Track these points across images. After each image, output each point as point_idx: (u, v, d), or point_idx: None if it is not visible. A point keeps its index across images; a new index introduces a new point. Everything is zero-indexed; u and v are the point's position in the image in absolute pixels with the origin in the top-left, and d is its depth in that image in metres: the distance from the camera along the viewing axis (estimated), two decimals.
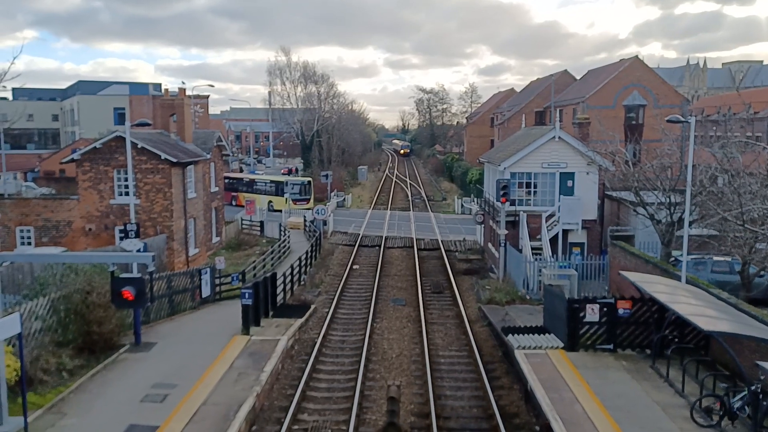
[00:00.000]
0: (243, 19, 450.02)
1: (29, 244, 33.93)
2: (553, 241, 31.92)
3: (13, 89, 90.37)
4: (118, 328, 20.22)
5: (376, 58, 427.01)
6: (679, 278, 20.74)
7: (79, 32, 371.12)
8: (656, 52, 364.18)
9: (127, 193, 32.07)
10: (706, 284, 20.84)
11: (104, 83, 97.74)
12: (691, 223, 22.93)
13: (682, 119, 22.22)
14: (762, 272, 22.37)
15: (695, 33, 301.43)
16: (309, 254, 36.99)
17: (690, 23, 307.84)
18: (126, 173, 31.50)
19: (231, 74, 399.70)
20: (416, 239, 45.55)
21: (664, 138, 28.92)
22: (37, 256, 24.54)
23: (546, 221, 32.17)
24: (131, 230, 26.68)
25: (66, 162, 36.48)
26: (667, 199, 25.53)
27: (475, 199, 60.06)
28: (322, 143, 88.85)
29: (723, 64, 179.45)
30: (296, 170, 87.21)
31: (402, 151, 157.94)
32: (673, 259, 25.79)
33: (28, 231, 34.08)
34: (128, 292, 14.07)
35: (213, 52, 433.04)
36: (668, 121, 22.12)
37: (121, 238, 28.87)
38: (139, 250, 25.20)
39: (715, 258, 26.35)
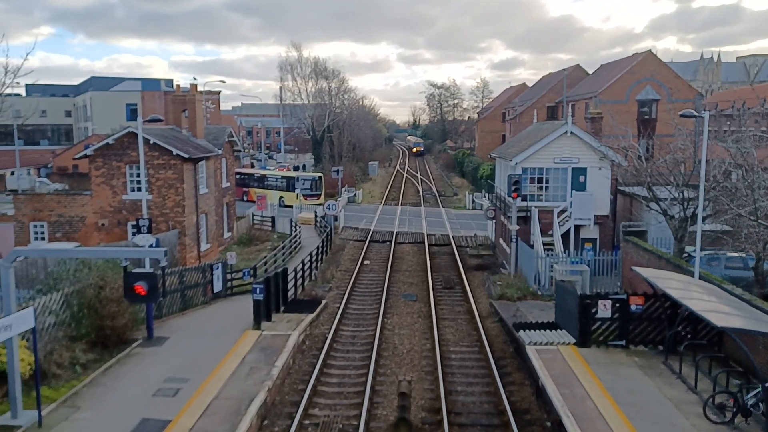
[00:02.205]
0: (257, 14, 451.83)
1: (43, 239, 34.21)
2: (565, 236, 31.77)
3: (27, 85, 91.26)
4: (130, 322, 20.36)
5: (389, 53, 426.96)
6: (692, 274, 20.59)
7: (94, 28, 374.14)
8: (671, 46, 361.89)
9: (139, 189, 32.24)
10: (720, 280, 20.67)
11: (117, 79, 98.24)
12: (704, 219, 22.74)
13: (696, 114, 22.02)
14: None
15: (712, 26, 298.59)
16: (320, 249, 37.05)
17: (707, 17, 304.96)
18: (138, 169, 31.68)
19: (244, 70, 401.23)
20: (427, 235, 45.52)
21: (678, 133, 28.65)
22: (51, 251, 24.74)
23: (558, 217, 32.03)
24: (143, 226, 26.85)
25: (79, 158, 36.67)
26: (681, 195, 25.33)
27: (487, 195, 60.00)
28: (333, 139, 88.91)
29: (737, 58, 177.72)
30: (303, 167, 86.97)
31: (414, 150, 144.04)
32: (686, 254, 25.60)
33: (42, 226, 34.36)
34: (141, 287, 14.16)
35: (227, 47, 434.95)
36: (682, 115, 21.91)
37: (134, 234, 29.07)
38: (151, 246, 25.32)
39: (729, 254, 26.13)
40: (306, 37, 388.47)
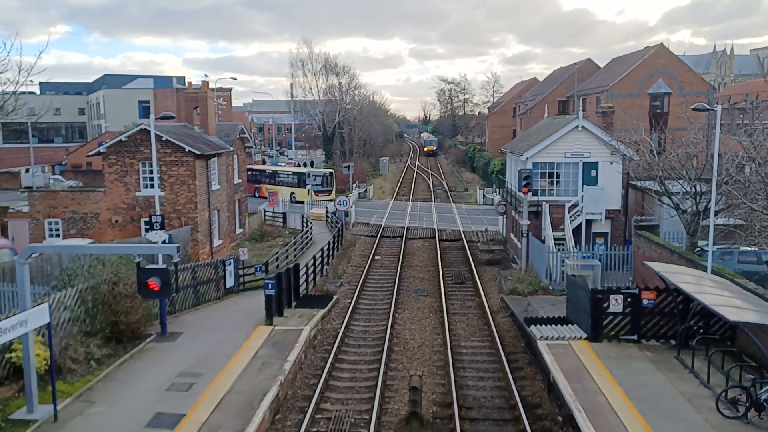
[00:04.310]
0: (270, 10, 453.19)
1: (57, 235, 34.54)
2: (577, 231, 31.67)
3: (40, 83, 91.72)
4: (144, 318, 20.54)
5: (402, 48, 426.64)
6: (704, 268, 20.49)
7: (109, 26, 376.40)
8: (685, 39, 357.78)
9: (152, 186, 32.46)
10: (733, 274, 20.57)
11: (129, 77, 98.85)
12: (717, 213, 22.60)
13: (708, 107, 21.89)
14: None
15: (727, 19, 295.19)
16: (331, 245, 37.15)
17: (723, 9, 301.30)
18: (151, 166, 31.90)
19: (257, 66, 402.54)
20: (438, 230, 45.53)
21: (690, 126, 28.48)
22: (65, 247, 24.98)
23: (569, 211, 31.93)
24: (156, 222, 27.10)
25: (92, 155, 36.98)
26: (693, 189, 25.18)
27: (497, 190, 59.89)
28: (344, 135, 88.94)
29: (751, 50, 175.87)
30: (311, 163, 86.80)
31: (426, 149, 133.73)
32: (698, 249, 25.46)
33: (57, 223, 34.70)
34: (154, 283, 14.31)
35: (240, 44, 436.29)
36: (694, 109, 21.78)
37: (147, 230, 29.33)
38: (164, 242, 25.55)
39: (742, 248, 25.97)
40: (319, 33, 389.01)
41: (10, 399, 15.35)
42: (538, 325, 21.46)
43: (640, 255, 27.26)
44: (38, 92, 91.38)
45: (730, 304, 16.04)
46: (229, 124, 48.24)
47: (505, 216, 41.13)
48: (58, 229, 34.70)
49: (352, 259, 37.24)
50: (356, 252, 39.26)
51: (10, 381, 15.80)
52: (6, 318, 13.86)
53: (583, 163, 32.37)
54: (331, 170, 67.24)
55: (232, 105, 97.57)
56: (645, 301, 19.66)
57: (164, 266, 14.95)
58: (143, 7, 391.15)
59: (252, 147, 51.02)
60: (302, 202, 57.24)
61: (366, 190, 69.10)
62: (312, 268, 30.42)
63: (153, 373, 17.63)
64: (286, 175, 65.66)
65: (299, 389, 18.28)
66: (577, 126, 32.10)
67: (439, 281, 31.02)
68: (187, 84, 52.65)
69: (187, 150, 32.89)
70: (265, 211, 50.77)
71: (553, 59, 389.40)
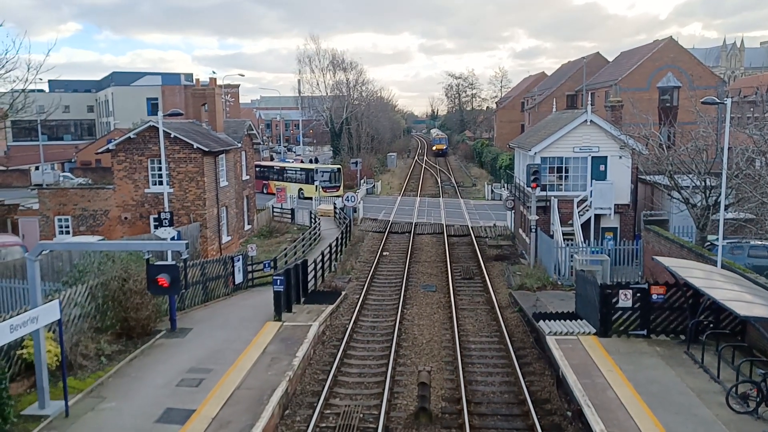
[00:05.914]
0: (280, 6, 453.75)
1: (67, 232, 34.76)
2: (585, 226, 31.57)
3: (49, 81, 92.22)
4: (154, 314, 20.67)
5: (411, 43, 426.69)
6: (714, 263, 20.38)
7: (120, 23, 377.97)
8: (696, 33, 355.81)
9: (161, 183, 32.58)
10: (743, 269, 20.44)
11: (138, 74, 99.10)
12: (727, 207, 22.46)
13: (718, 101, 21.73)
14: None
15: (739, 12, 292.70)
16: (339, 241, 37.19)
17: (736, 1, 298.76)
18: (160, 163, 32.02)
19: (266, 63, 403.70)
20: (446, 225, 45.47)
21: (700, 120, 28.28)
22: (75, 244, 25.15)
23: (578, 206, 31.83)
24: (165, 219, 27.20)
25: (101, 152, 37.20)
26: (703, 183, 25.03)
27: (506, 185, 59.72)
28: (352, 131, 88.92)
29: (761, 43, 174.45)
30: (316, 159, 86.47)
31: (435, 147, 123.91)
32: (708, 243, 25.32)
33: (67, 220, 34.91)
34: (163, 279, 14.37)
35: (249, 40, 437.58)
36: (703, 102, 21.65)
37: (156, 227, 29.44)
38: (173, 238, 25.65)
39: (752, 242, 25.81)
40: (328, 29, 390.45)
41: (21, 395, 15.49)
42: (546, 321, 21.42)
43: (649, 250, 27.15)
44: (47, 90, 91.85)
45: (741, 298, 15.96)
46: (237, 120, 48.33)
47: (513, 211, 41.05)
48: (68, 226, 34.91)
49: (360, 254, 37.28)
50: (364, 248, 39.29)
51: (22, 377, 15.92)
52: (17, 314, 13.97)
53: (592, 157, 32.24)
54: (339, 166, 67.30)
55: (240, 102, 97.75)
56: (654, 296, 19.60)
57: (173, 263, 14.98)
58: (155, 4, 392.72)
59: (260, 143, 51.16)
60: (310, 199, 57.36)
61: (374, 186, 69.13)
62: (320, 264, 30.48)
63: (163, 368, 17.73)
64: (294, 172, 65.78)
65: (308, 385, 18.34)
66: (586, 120, 31.97)
67: (448, 277, 31.00)
68: (195, 81, 52.82)
69: (195, 147, 32.99)
70: (273, 208, 50.91)
71: (563, 54, 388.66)
